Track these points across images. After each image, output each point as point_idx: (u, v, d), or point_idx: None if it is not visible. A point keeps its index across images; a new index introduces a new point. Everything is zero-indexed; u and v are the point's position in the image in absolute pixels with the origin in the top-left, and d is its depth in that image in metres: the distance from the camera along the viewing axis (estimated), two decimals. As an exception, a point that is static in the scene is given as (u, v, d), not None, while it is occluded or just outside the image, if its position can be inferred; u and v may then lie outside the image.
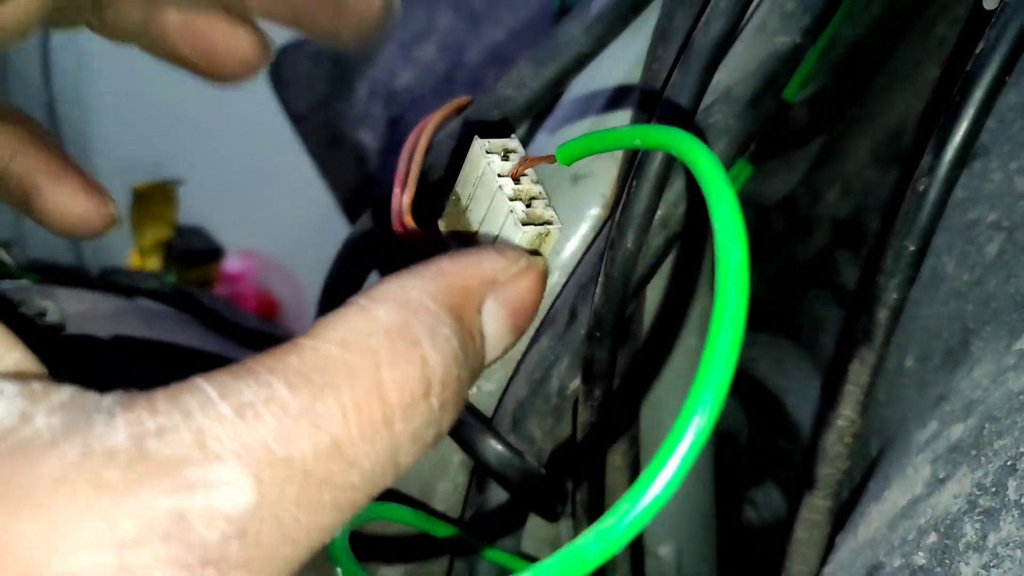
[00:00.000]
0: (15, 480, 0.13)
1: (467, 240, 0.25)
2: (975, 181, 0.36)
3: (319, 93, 0.72)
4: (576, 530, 0.36)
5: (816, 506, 0.34)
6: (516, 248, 0.21)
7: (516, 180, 0.24)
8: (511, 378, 0.34)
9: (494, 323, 0.19)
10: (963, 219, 0.35)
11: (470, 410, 0.34)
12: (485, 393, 0.36)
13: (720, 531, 0.46)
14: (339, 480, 0.15)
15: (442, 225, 0.26)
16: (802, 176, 0.48)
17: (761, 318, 0.49)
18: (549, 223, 0.23)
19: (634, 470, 0.36)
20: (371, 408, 0.15)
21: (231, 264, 1.31)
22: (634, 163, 0.30)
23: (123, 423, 0.14)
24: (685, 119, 0.29)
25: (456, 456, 0.37)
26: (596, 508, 0.35)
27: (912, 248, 0.29)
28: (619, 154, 0.35)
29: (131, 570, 0.13)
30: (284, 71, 0.73)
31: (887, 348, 0.31)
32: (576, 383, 0.33)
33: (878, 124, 0.44)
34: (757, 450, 0.49)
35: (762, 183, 0.49)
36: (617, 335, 0.31)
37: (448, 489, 0.37)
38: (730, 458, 0.49)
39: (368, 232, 0.36)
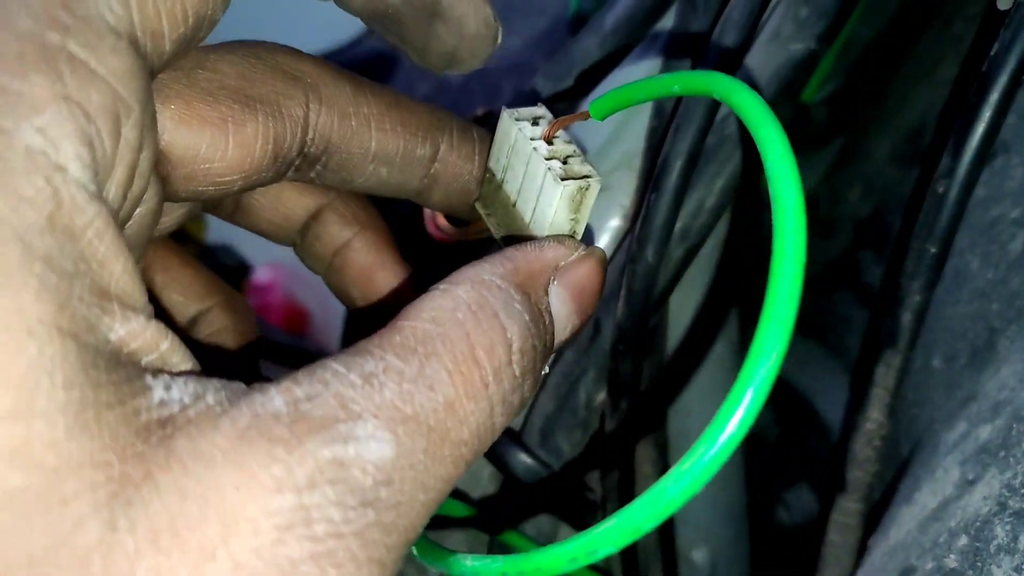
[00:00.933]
0: (204, 442, 0.15)
1: (505, 219, 0.25)
2: (996, 178, 0.36)
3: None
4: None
5: (848, 509, 0.34)
6: (575, 239, 0.22)
7: (549, 142, 0.24)
8: (538, 392, 0.35)
9: (560, 304, 0.21)
10: (985, 217, 0.35)
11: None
12: (513, 406, 0.36)
13: (752, 533, 0.46)
14: (454, 436, 0.17)
15: (479, 206, 0.26)
16: (823, 176, 0.48)
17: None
18: (588, 176, 0.23)
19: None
20: (469, 371, 0.18)
21: (259, 276, 1.33)
22: (652, 175, 0.31)
23: (276, 393, 0.16)
24: (701, 130, 0.29)
25: (486, 470, 0.37)
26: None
27: (933, 250, 0.29)
28: (637, 165, 0.35)
29: (308, 509, 0.15)
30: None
31: (912, 350, 0.31)
32: (602, 395, 0.33)
33: (897, 123, 0.44)
34: (787, 451, 0.49)
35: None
36: (641, 347, 0.31)
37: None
38: (761, 460, 0.49)
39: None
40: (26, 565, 0.13)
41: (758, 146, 0.18)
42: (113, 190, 0.17)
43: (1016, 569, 0.25)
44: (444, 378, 0.17)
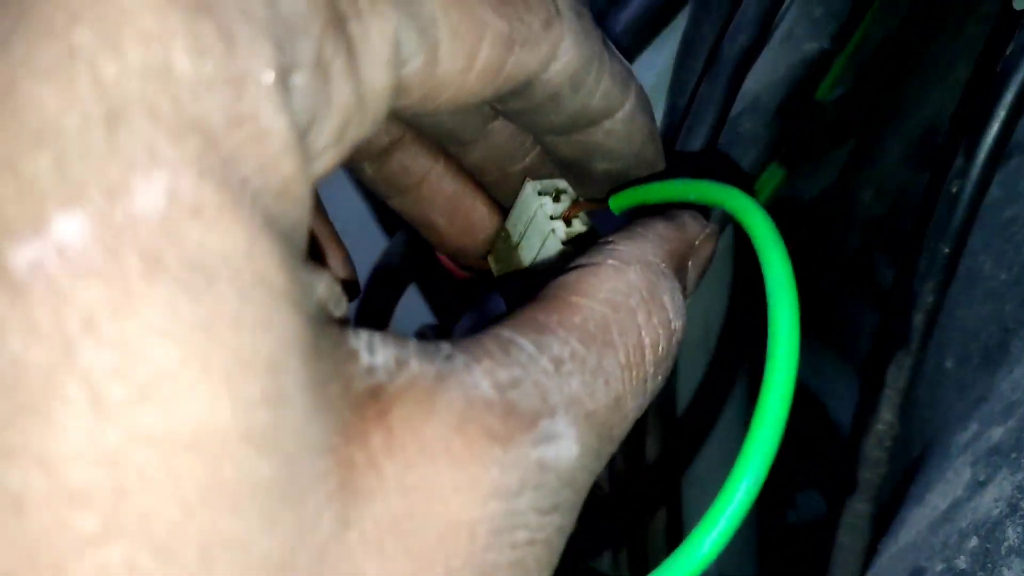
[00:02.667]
0: (424, 428, 0.14)
1: (517, 280, 0.26)
2: (1011, 179, 0.35)
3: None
4: (618, 536, 0.36)
5: (857, 510, 0.34)
6: (699, 216, 0.22)
7: (567, 222, 0.24)
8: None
9: (688, 283, 0.20)
10: (1000, 217, 0.35)
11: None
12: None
13: (762, 533, 0.46)
14: (616, 434, 0.17)
15: (491, 260, 0.26)
16: (836, 177, 0.48)
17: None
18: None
19: (673, 478, 0.36)
20: (639, 366, 0.17)
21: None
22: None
23: (481, 373, 0.15)
24: (714, 130, 0.29)
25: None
26: (636, 515, 0.35)
27: (947, 250, 0.29)
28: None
29: (514, 515, 0.14)
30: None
31: (924, 351, 0.31)
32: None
33: (911, 124, 0.44)
34: (797, 452, 0.49)
35: (796, 185, 0.49)
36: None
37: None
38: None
39: (404, 253, 0.37)
40: (271, 569, 0.12)
41: (762, 267, 0.18)
42: (323, 138, 0.14)
43: (1027, 571, 0.25)
44: (617, 372, 0.17)
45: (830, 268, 0.47)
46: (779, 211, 0.51)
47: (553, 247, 0.24)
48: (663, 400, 0.35)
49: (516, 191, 0.25)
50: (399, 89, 0.16)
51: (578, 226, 0.24)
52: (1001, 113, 0.27)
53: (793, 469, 0.49)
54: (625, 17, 0.34)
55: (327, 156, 0.14)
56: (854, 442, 0.34)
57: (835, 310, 0.46)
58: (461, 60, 0.16)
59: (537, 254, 0.25)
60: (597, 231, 0.26)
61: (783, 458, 0.53)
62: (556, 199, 0.25)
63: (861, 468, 0.33)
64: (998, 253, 0.34)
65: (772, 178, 0.45)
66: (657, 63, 0.35)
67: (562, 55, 0.19)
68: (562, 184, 0.25)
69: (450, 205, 0.25)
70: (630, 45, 0.33)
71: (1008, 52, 0.27)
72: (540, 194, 0.25)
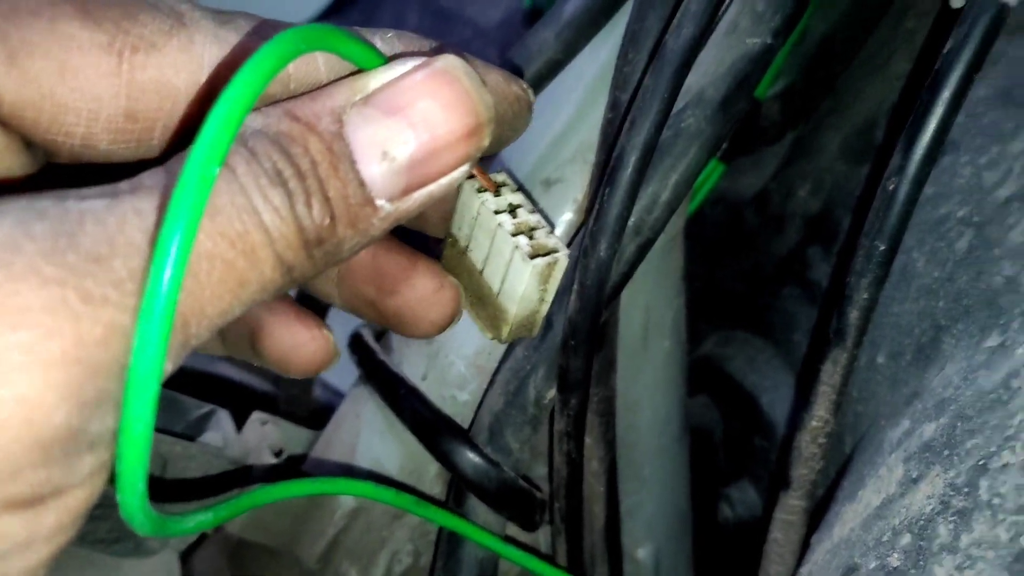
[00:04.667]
0: None
1: (471, 285, 0.25)
2: (945, 176, 0.36)
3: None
4: (555, 538, 0.36)
5: (791, 506, 0.34)
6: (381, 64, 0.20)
7: (513, 213, 0.23)
8: (487, 389, 0.34)
9: (368, 125, 0.18)
10: (933, 215, 0.35)
11: (445, 422, 0.34)
12: (460, 403, 0.36)
13: (696, 529, 0.46)
14: None
15: (442, 268, 0.25)
16: (774, 172, 0.48)
17: (734, 315, 0.50)
18: (555, 251, 0.23)
19: (611, 474, 0.36)
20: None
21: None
22: (606, 168, 0.30)
23: None
24: (657, 124, 0.29)
25: (432, 467, 0.36)
26: (574, 515, 0.35)
27: (883, 247, 0.29)
28: (591, 159, 0.35)
29: None
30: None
31: (859, 348, 0.31)
32: (552, 392, 0.32)
33: (848, 118, 0.44)
34: (732, 447, 0.49)
35: (735, 180, 0.49)
36: (592, 343, 0.31)
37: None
38: (706, 455, 0.49)
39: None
40: None
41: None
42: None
43: (958, 568, 0.25)
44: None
45: (766, 262, 0.47)
46: (718, 205, 0.51)
47: (505, 246, 0.23)
48: (601, 398, 0.34)
49: None
50: None
51: (524, 215, 0.24)
52: (939, 110, 0.27)
53: (725, 463, 0.49)
54: (570, 7, 0.33)
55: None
56: (789, 438, 0.34)
57: (770, 305, 0.46)
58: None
59: (488, 252, 0.24)
60: (545, 216, 0.25)
61: (715, 452, 0.53)
62: (497, 194, 0.24)
63: (795, 464, 0.33)
64: (931, 251, 0.35)
65: (712, 173, 0.45)
66: (600, 56, 0.35)
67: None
68: (500, 176, 0.24)
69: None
70: (574, 39, 0.33)
71: (945, 50, 0.27)
72: (480, 191, 0.24)
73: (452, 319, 0.24)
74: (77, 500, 0.15)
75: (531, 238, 0.23)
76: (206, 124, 0.16)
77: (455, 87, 0.19)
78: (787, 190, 0.46)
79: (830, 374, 0.31)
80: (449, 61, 0.19)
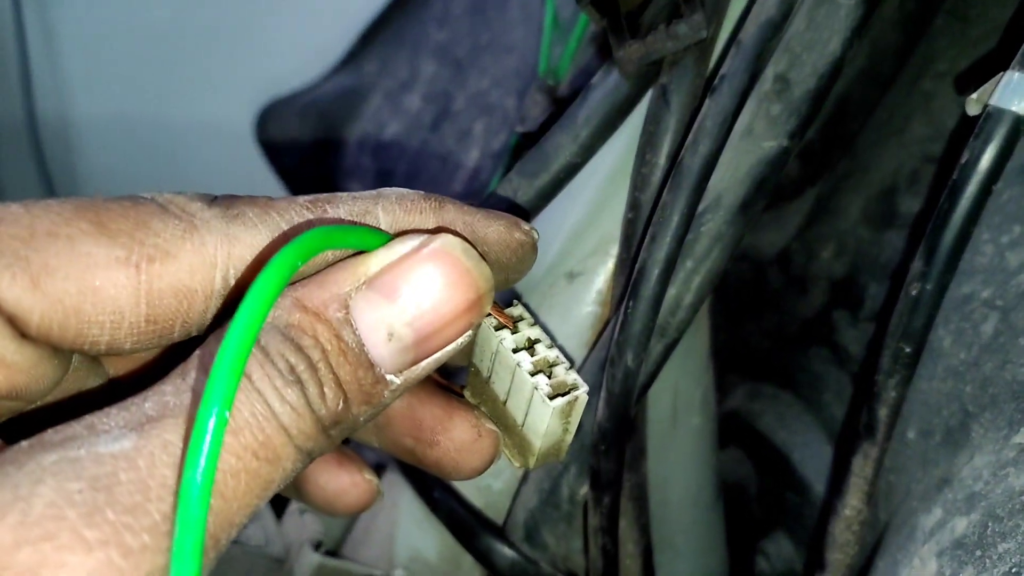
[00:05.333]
0: None
1: (495, 412, 0.25)
2: (967, 253, 0.36)
3: (307, 148, 0.72)
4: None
5: (827, 589, 0.34)
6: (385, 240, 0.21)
7: (531, 351, 0.24)
8: (520, 483, 0.35)
9: (370, 309, 0.19)
10: (957, 293, 0.36)
11: (481, 519, 0.35)
12: (495, 492, 0.36)
13: (734, 584, 0.46)
14: None
15: (468, 395, 0.26)
16: (796, 231, 0.48)
17: (763, 371, 0.50)
18: (575, 388, 0.23)
19: (646, 556, 0.37)
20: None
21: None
22: (631, 269, 0.31)
23: None
24: (677, 238, 0.29)
25: (467, 559, 0.37)
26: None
27: (908, 350, 0.30)
28: (612, 251, 0.35)
29: None
30: (271, 128, 0.72)
31: (889, 442, 0.31)
32: (585, 489, 0.33)
33: (868, 181, 0.44)
34: (766, 501, 0.49)
35: (757, 237, 0.50)
36: (622, 446, 0.31)
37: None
38: (740, 509, 0.50)
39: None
40: None
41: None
42: None
43: None
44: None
45: (790, 322, 0.47)
46: (742, 263, 0.51)
47: (525, 386, 0.23)
48: (634, 484, 0.35)
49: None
50: None
51: (543, 351, 0.24)
52: (958, 221, 0.27)
53: (760, 516, 0.50)
54: (584, 111, 0.33)
55: None
56: (823, 524, 0.34)
57: (799, 364, 0.47)
58: None
59: (510, 387, 0.24)
60: (568, 356, 0.25)
61: (749, 505, 0.53)
62: (515, 331, 0.24)
63: (830, 549, 0.34)
64: (957, 330, 0.35)
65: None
66: (616, 148, 0.35)
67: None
68: (517, 310, 0.24)
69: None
70: (590, 142, 0.33)
71: (963, 160, 0.27)
72: (497, 329, 0.24)
73: (491, 463, 0.25)
74: None
75: (550, 376, 0.23)
76: (212, 374, 0.17)
77: (455, 266, 0.20)
78: (810, 251, 0.46)
79: (861, 466, 0.32)
80: (447, 241, 0.20)
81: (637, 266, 0.30)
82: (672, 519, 0.41)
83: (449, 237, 0.20)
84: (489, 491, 0.37)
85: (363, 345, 0.19)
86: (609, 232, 0.35)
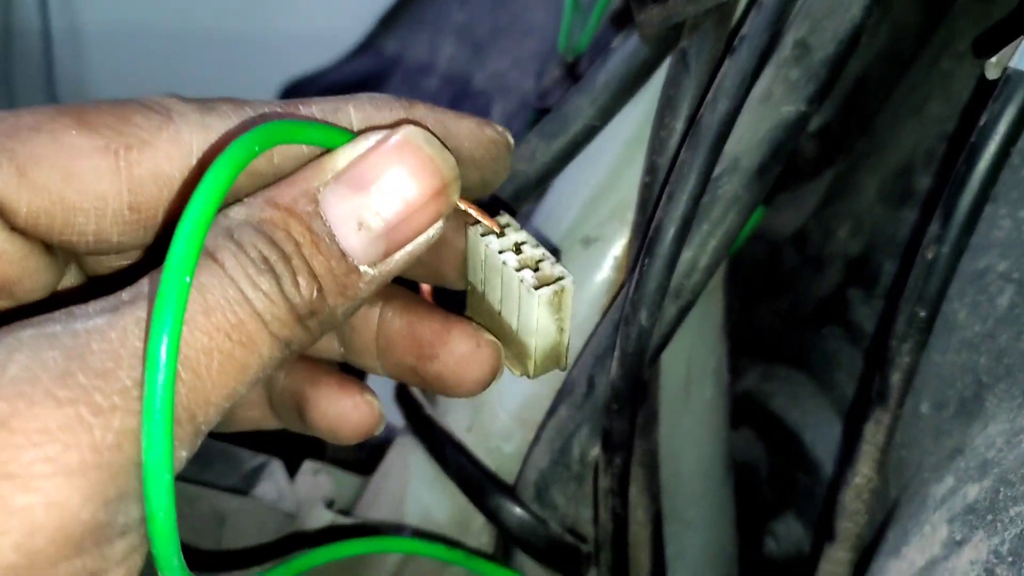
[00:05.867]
0: None
1: (493, 326, 0.25)
2: (984, 227, 0.36)
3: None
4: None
5: (837, 558, 0.34)
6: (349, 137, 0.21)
7: (517, 250, 0.24)
8: (532, 444, 0.35)
9: (340, 201, 0.20)
10: (973, 267, 0.36)
11: (492, 478, 0.35)
12: (505, 455, 0.37)
13: (742, 563, 0.46)
14: None
15: (468, 315, 0.26)
16: (813, 211, 0.48)
17: (776, 352, 0.50)
18: (560, 278, 0.23)
19: (656, 523, 0.37)
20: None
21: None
22: (646, 233, 0.31)
23: None
24: (694, 197, 0.29)
25: (480, 517, 0.37)
26: (620, 565, 0.36)
27: (923, 314, 0.30)
28: (630, 218, 0.35)
29: None
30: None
31: (902, 408, 0.31)
32: (596, 450, 0.33)
33: (885, 160, 0.44)
34: (777, 482, 0.49)
35: (774, 217, 0.50)
36: (634, 406, 0.31)
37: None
38: (750, 489, 0.50)
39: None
40: None
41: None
42: None
43: (1002, 639, 0.25)
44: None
45: (805, 301, 0.47)
46: (757, 243, 0.51)
47: (512, 282, 0.23)
48: (645, 451, 0.35)
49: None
50: None
51: (528, 251, 0.24)
52: (975, 184, 0.28)
53: (770, 497, 0.50)
54: (604, 74, 0.34)
55: None
56: (833, 491, 0.34)
57: (811, 342, 0.47)
58: None
59: (501, 292, 0.24)
60: (550, 246, 0.25)
61: (759, 486, 0.53)
62: (501, 235, 0.24)
63: (840, 518, 0.34)
64: (972, 303, 0.35)
65: (752, 216, 0.45)
66: (634, 115, 0.35)
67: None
68: (503, 219, 0.25)
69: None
70: (609, 104, 0.33)
71: (982, 122, 0.27)
72: (483, 235, 0.24)
73: (494, 375, 0.25)
74: None
75: (536, 270, 0.23)
76: (174, 239, 0.18)
77: (417, 154, 0.20)
78: (826, 230, 0.46)
79: (873, 433, 0.32)
80: (408, 132, 0.20)
81: (653, 225, 0.30)
82: (683, 491, 0.41)
83: (411, 128, 0.21)
84: (499, 453, 0.37)
85: (334, 236, 0.20)
86: (626, 197, 0.36)
